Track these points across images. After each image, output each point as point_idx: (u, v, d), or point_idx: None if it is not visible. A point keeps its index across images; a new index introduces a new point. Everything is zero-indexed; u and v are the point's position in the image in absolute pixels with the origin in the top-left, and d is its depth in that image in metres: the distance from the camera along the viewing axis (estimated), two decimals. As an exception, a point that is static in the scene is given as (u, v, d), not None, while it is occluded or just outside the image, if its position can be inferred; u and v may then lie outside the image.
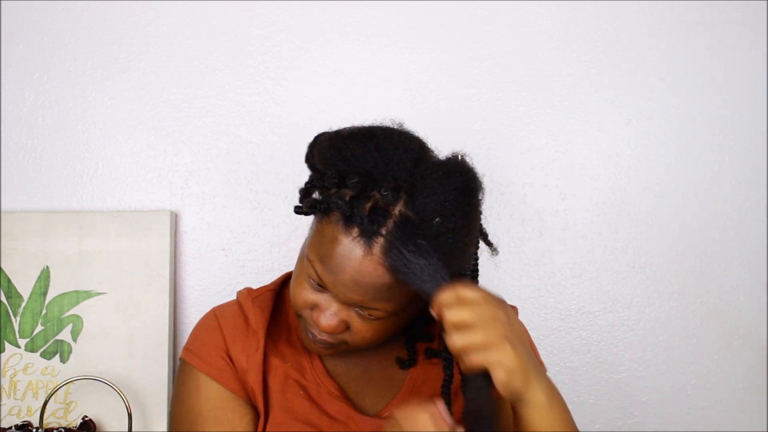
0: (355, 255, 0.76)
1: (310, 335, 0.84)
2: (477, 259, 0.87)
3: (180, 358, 0.95)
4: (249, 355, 0.90)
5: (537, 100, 1.35)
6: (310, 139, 0.85)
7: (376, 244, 0.75)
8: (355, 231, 0.75)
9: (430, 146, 0.83)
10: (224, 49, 1.33)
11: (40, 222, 1.28)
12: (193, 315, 1.31)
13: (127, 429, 1.19)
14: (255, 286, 1.02)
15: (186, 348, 0.94)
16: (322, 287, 0.80)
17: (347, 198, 0.76)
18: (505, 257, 1.34)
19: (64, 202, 1.32)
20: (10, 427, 1.18)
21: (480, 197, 0.81)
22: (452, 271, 0.78)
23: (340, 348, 0.85)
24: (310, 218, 0.85)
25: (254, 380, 0.89)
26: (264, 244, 1.32)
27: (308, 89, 1.33)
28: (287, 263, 1.30)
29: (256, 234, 1.32)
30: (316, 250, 0.79)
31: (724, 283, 1.36)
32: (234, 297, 0.98)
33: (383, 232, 0.75)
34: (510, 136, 1.35)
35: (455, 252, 0.77)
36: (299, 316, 0.86)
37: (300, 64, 1.34)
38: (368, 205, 0.75)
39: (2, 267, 1.27)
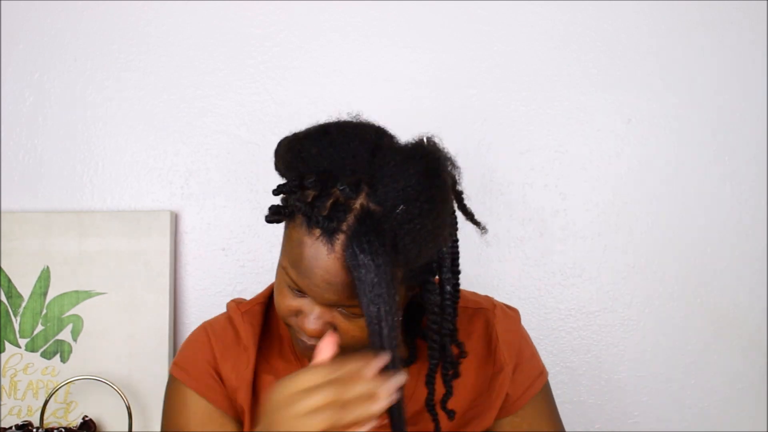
0: (321, 255, 0.74)
1: (301, 343, 0.83)
2: (456, 240, 0.84)
3: (169, 373, 0.94)
4: (239, 373, 0.89)
5: (537, 100, 1.35)
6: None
7: (337, 241, 0.73)
8: (317, 231, 0.74)
9: (391, 133, 0.81)
10: (224, 49, 1.33)
11: (40, 222, 1.28)
12: (193, 315, 1.31)
13: (127, 429, 1.19)
14: (255, 286, 1.01)
15: (175, 363, 0.93)
16: (301, 292, 0.80)
17: (309, 199, 0.75)
18: (505, 257, 1.34)
19: (64, 202, 1.32)
20: (11, 427, 1.18)
21: (446, 178, 0.79)
22: (427, 256, 0.77)
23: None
24: None
25: (243, 398, 0.89)
26: (264, 244, 1.32)
27: (308, 89, 1.33)
28: (287, 263, 1.30)
29: (256, 234, 1.32)
30: (287, 255, 0.78)
31: (724, 283, 1.36)
32: (233, 297, 0.98)
33: (343, 228, 0.73)
34: (510, 136, 1.35)
35: (426, 237, 0.75)
36: (288, 325, 0.85)
37: (300, 64, 1.34)
38: (329, 203, 0.74)
39: (2, 267, 1.27)
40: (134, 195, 1.32)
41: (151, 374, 1.25)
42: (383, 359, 0.72)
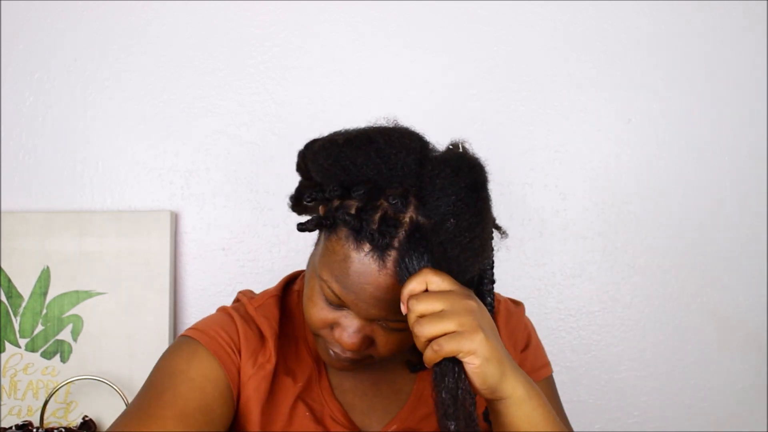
0: (371, 271, 0.71)
1: (332, 353, 0.80)
2: (493, 251, 0.82)
3: (180, 336, 0.86)
4: (259, 364, 0.84)
5: (537, 100, 1.35)
6: (310, 139, 0.81)
7: (389, 258, 0.71)
8: (367, 246, 0.71)
9: (428, 139, 0.79)
10: (224, 49, 1.33)
11: (40, 222, 1.28)
12: (193, 315, 1.31)
13: (127, 429, 1.19)
14: (255, 286, 0.99)
15: (193, 328, 0.86)
16: (340, 305, 0.76)
17: (353, 211, 0.71)
18: (505, 257, 1.34)
19: (64, 202, 1.32)
20: (11, 427, 1.18)
21: (488, 187, 0.78)
22: (475, 268, 0.75)
23: (366, 362, 0.81)
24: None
25: (255, 388, 0.83)
26: (264, 244, 1.32)
27: (308, 89, 1.33)
28: (287, 263, 1.30)
29: (256, 234, 1.32)
30: (329, 269, 0.74)
31: (724, 283, 1.36)
32: (234, 297, 0.94)
33: (395, 244, 0.70)
34: (510, 136, 1.35)
35: (476, 249, 0.73)
36: (317, 335, 0.81)
37: (300, 64, 1.34)
38: (377, 216, 0.71)
39: (2, 267, 1.27)
40: (134, 195, 1.32)
41: (151, 374, 1.25)
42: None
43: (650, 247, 1.35)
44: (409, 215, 0.71)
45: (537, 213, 1.34)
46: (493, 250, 0.81)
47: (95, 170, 1.33)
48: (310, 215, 0.78)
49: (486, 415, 0.85)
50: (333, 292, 0.75)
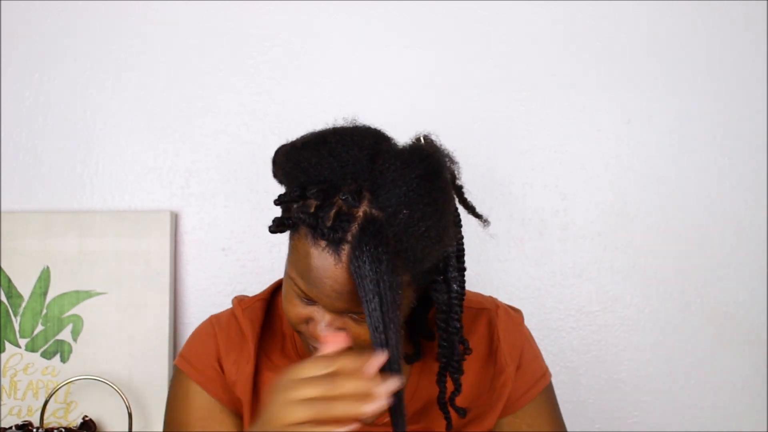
0: (328, 266, 0.74)
1: (313, 349, 0.83)
2: (461, 238, 0.85)
3: (174, 364, 0.95)
4: (240, 367, 0.90)
5: (537, 100, 1.35)
6: (280, 145, 0.85)
7: (343, 252, 0.74)
8: (323, 242, 0.74)
9: (389, 136, 0.81)
10: (224, 49, 1.33)
11: (40, 222, 1.28)
12: (193, 315, 1.31)
13: (127, 429, 1.19)
14: (255, 286, 1.02)
15: (181, 354, 0.94)
16: (310, 300, 0.80)
17: (312, 210, 0.75)
18: (505, 257, 1.34)
19: (64, 202, 1.32)
20: (11, 427, 1.18)
21: (447, 178, 0.79)
22: (434, 258, 0.77)
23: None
24: None
25: (242, 391, 0.90)
26: (264, 244, 1.32)
27: (308, 89, 1.33)
28: (287, 263, 1.30)
29: (256, 234, 1.32)
30: (295, 266, 0.79)
31: (724, 283, 1.36)
32: (234, 297, 0.98)
33: (348, 237, 0.73)
34: (510, 136, 1.35)
35: (431, 239, 0.75)
36: (298, 332, 0.85)
37: (300, 64, 1.34)
38: (332, 213, 0.74)
39: (2, 267, 1.27)
40: (134, 195, 1.32)
41: (151, 374, 1.25)
42: (382, 358, 0.72)
43: (650, 247, 1.35)
44: (362, 209, 0.74)
45: (537, 213, 1.34)
46: (457, 237, 0.84)
47: (95, 170, 1.33)
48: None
49: (452, 401, 0.87)
50: (300, 288, 0.79)
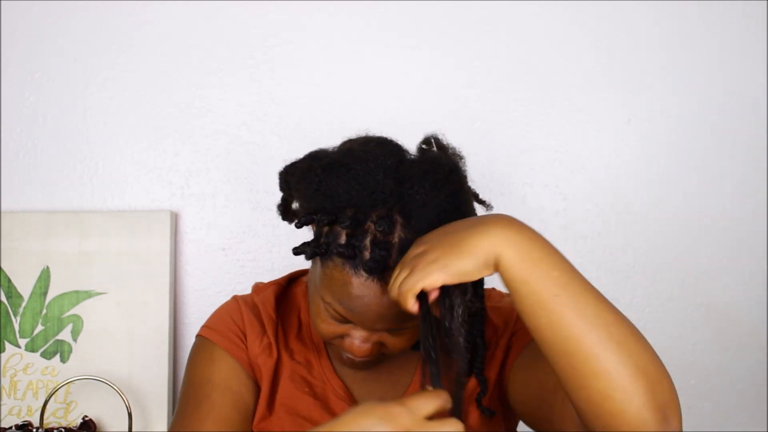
0: (373, 293, 0.75)
1: (346, 357, 0.84)
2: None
3: (197, 336, 0.95)
4: (264, 345, 0.91)
5: (537, 100, 1.35)
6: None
7: (388, 278, 0.74)
8: (364, 273, 0.74)
9: (404, 147, 0.81)
10: (224, 49, 1.33)
11: (40, 222, 1.28)
12: (193, 315, 1.31)
13: (127, 429, 1.19)
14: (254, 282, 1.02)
15: (204, 326, 0.95)
16: (346, 320, 0.80)
17: (343, 239, 0.75)
18: (505, 257, 1.34)
19: (64, 202, 1.32)
20: (11, 427, 1.18)
21: (468, 185, 0.80)
22: None
23: (379, 359, 0.86)
24: None
25: (263, 362, 0.90)
26: (264, 244, 1.32)
27: (308, 89, 1.33)
28: (287, 263, 1.30)
29: (256, 234, 1.32)
30: (331, 293, 0.78)
31: (724, 283, 1.36)
32: (233, 297, 0.99)
33: (390, 264, 0.74)
34: (510, 136, 1.35)
35: None
36: (329, 343, 0.86)
37: (300, 64, 1.34)
38: (367, 241, 0.74)
39: (2, 267, 1.27)
40: (134, 195, 1.32)
41: (151, 374, 1.25)
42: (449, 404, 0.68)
43: (650, 247, 1.35)
44: (397, 235, 0.75)
45: (537, 213, 1.34)
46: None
47: (95, 170, 1.33)
48: (298, 219, 0.82)
49: (479, 401, 0.86)
50: (337, 312, 0.79)
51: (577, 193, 1.35)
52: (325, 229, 0.77)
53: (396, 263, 0.73)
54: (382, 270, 0.74)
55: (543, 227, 1.33)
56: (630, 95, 1.36)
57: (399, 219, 0.75)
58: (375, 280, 0.74)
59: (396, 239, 0.74)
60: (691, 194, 1.36)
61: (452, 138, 0.88)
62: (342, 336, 0.82)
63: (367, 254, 0.74)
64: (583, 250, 1.34)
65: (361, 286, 0.75)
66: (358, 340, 0.80)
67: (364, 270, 0.74)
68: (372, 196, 0.75)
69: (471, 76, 1.35)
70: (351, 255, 0.74)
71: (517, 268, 0.69)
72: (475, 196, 0.88)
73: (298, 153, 0.87)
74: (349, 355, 0.83)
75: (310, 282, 0.86)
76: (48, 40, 1.33)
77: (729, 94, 1.37)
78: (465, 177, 0.81)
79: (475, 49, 1.35)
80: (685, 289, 1.35)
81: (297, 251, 0.80)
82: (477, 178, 1.32)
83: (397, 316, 0.76)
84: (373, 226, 0.74)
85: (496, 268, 0.70)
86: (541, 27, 1.35)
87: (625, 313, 0.73)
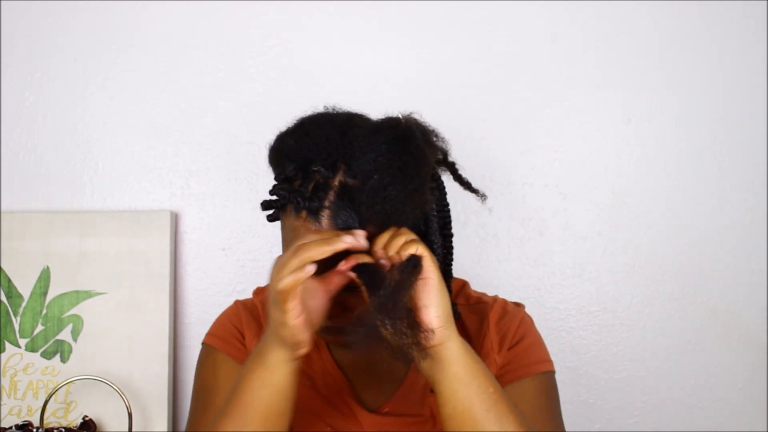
0: (310, 231, 0.79)
1: (324, 333, 0.86)
2: (446, 205, 0.89)
3: (202, 343, 0.98)
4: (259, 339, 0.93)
5: (537, 100, 1.35)
6: None
7: (323, 218, 0.79)
8: (304, 213, 0.79)
9: (365, 116, 0.86)
10: (224, 49, 1.33)
11: (40, 222, 1.28)
12: (193, 315, 1.31)
13: (127, 429, 1.19)
14: (255, 286, 1.03)
15: (208, 333, 0.98)
16: None
17: (294, 188, 0.80)
18: (505, 257, 1.34)
19: (64, 202, 1.32)
20: (11, 427, 1.18)
21: (419, 144, 0.81)
22: (410, 219, 0.80)
23: (354, 335, 0.86)
24: None
25: None
26: (264, 244, 1.32)
27: (308, 89, 1.33)
28: (287, 263, 1.30)
29: (256, 234, 1.32)
30: (285, 244, 0.84)
31: (724, 283, 1.36)
32: (233, 297, 1.03)
33: (326, 204, 0.78)
34: (510, 136, 1.35)
35: (404, 201, 0.79)
36: None
37: (300, 64, 1.34)
38: (310, 186, 0.80)
39: (2, 267, 1.27)
40: (134, 195, 1.32)
41: (151, 374, 1.25)
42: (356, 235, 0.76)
43: (650, 247, 1.35)
44: (338, 179, 0.80)
45: (537, 213, 1.34)
46: (440, 202, 0.88)
47: (95, 170, 1.33)
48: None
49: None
50: None
51: (577, 193, 1.35)
52: (284, 186, 0.82)
53: (333, 204, 0.78)
54: (318, 209, 0.78)
55: (543, 227, 1.34)
56: (630, 95, 1.36)
57: (342, 166, 0.80)
58: (311, 220, 0.79)
59: (336, 183, 0.79)
60: (691, 194, 1.36)
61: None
62: None
63: (308, 195, 0.79)
64: (583, 250, 1.35)
65: (302, 227, 0.80)
66: None
67: (305, 209, 0.79)
68: (317, 147, 0.81)
69: (471, 75, 1.35)
70: (294, 199, 0.79)
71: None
72: (468, 185, 0.91)
73: (298, 153, 0.87)
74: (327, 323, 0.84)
75: None
76: (48, 40, 1.33)
77: (729, 94, 1.37)
78: (417, 136, 0.82)
79: (475, 48, 1.35)
80: (685, 289, 1.35)
81: (268, 218, 0.85)
82: (477, 178, 1.32)
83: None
84: (317, 174, 0.80)
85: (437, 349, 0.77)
86: (541, 27, 1.35)
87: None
